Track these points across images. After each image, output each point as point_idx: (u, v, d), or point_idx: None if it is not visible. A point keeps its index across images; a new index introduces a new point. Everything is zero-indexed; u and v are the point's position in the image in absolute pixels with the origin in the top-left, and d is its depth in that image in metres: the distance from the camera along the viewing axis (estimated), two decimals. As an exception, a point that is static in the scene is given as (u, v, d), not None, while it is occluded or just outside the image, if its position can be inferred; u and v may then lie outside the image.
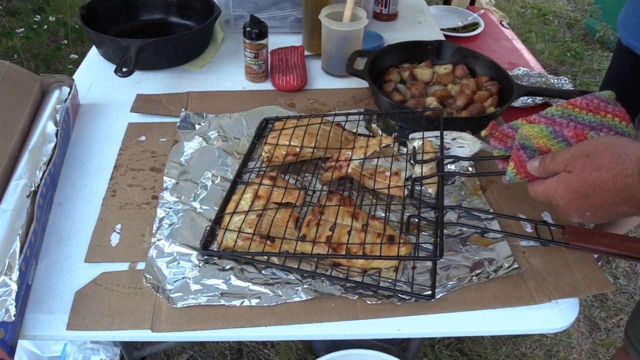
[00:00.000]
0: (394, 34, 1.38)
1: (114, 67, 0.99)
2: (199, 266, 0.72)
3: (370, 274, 0.72)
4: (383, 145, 0.84)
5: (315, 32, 1.20)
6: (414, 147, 0.83)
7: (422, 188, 0.85)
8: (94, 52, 1.22)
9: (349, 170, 0.82)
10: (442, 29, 1.47)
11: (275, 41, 1.25)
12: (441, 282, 0.71)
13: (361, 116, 1.00)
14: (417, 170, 0.79)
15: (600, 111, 0.63)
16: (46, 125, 0.84)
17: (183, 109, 1.00)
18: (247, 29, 1.06)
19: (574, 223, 0.71)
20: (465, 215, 0.82)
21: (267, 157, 0.87)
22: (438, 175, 0.77)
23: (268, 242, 0.72)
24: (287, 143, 0.87)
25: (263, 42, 1.08)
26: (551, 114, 0.67)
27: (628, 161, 0.52)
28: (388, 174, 0.82)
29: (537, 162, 0.62)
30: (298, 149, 0.87)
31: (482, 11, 2.19)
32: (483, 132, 0.71)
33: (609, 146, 0.55)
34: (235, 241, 0.72)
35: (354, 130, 0.96)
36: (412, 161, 0.81)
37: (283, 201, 0.79)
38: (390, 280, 0.71)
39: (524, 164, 0.64)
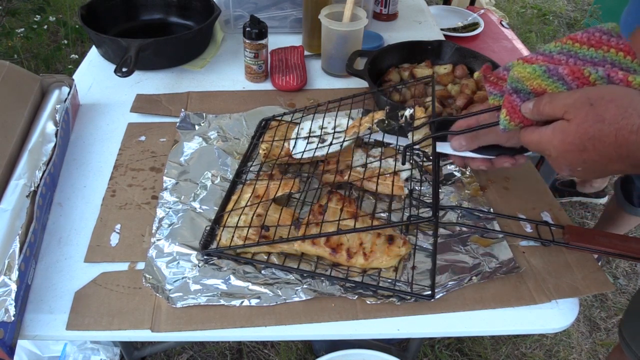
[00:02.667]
0: (393, 34, 1.38)
1: (114, 67, 0.99)
2: (199, 266, 0.72)
3: (369, 274, 0.72)
4: (375, 120, 0.82)
5: (315, 32, 1.20)
6: (405, 116, 0.79)
7: (422, 189, 0.85)
8: (94, 52, 1.22)
9: (346, 177, 0.82)
10: (442, 29, 1.47)
11: (275, 41, 1.25)
12: (441, 282, 0.71)
13: (360, 117, 1.00)
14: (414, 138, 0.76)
15: (602, 45, 0.58)
16: (46, 125, 0.84)
17: (183, 109, 1.00)
18: (247, 29, 1.06)
19: (564, 178, 0.67)
20: (465, 215, 0.82)
21: (265, 154, 0.87)
22: (432, 137, 0.72)
23: (263, 231, 0.71)
24: (285, 143, 0.87)
25: (263, 42, 1.08)
26: (549, 51, 0.61)
27: (635, 116, 0.48)
28: (387, 175, 0.81)
29: (531, 104, 0.57)
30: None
31: (482, 11, 2.19)
32: (476, 74, 0.67)
33: (615, 97, 0.51)
34: (232, 239, 0.72)
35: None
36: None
37: (280, 192, 0.78)
38: (390, 280, 0.71)
39: (518, 108, 0.59)
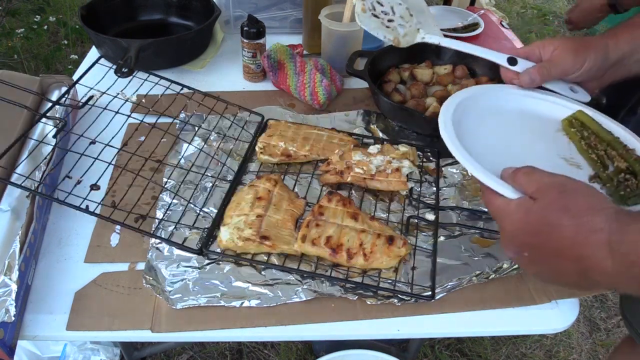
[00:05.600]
0: (394, 34, 1.37)
1: (114, 67, 0.99)
2: (199, 267, 0.72)
3: (370, 274, 0.72)
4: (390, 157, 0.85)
5: (315, 32, 1.20)
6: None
7: (421, 189, 0.85)
8: (94, 52, 1.22)
9: (349, 179, 0.82)
10: (442, 29, 1.47)
11: (275, 41, 1.25)
12: (441, 283, 0.71)
13: (360, 117, 1.01)
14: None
15: None
16: (46, 126, 0.84)
17: (183, 110, 1.00)
18: (245, 28, 1.07)
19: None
20: (466, 215, 0.82)
21: (261, 151, 0.87)
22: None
23: (267, 242, 0.72)
24: (282, 143, 0.88)
25: (261, 41, 1.08)
26: None
27: (602, 218, 0.45)
28: (389, 171, 0.82)
29: (512, 168, 0.56)
30: (291, 150, 0.87)
31: (482, 11, 2.19)
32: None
33: (590, 194, 0.49)
34: (235, 242, 0.72)
35: (352, 132, 0.96)
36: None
37: (285, 209, 0.78)
38: (390, 281, 0.71)
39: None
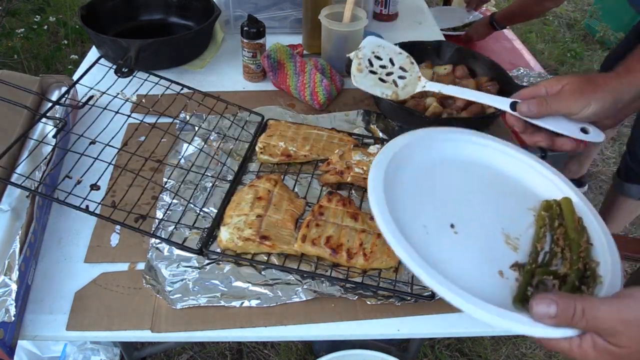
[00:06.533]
0: (393, 34, 1.37)
1: (114, 67, 0.99)
2: (199, 267, 0.72)
3: (370, 274, 0.72)
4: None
5: (315, 33, 1.20)
6: None
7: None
8: (94, 52, 1.22)
9: (349, 179, 0.82)
10: (442, 29, 1.47)
11: (275, 41, 1.25)
12: (441, 283, 0.71)
13: (360, 117, 1.01)
14: None
15: None
16: (45, 126, 0.84)
17: (183, 110, 1.00)
18: (245, 28, 1.07)
19: None
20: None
21: (261, 151, 0.87)
22: None
23: (267, 242, 0.72)
24: (282, 143, 0.88)
25: (261, 41, 1.08)
26: None
27: None
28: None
29: (553, 308, 0.48)
30: (291, 150, 0.87)
31: (483, 9, 2.19)
32: None
33: None
34: (235, 242, 0.72)
35: (352, 132, 0.96)
36: None
37: (285, 209, 0.78)
38: (390, 281, 0.71)
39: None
